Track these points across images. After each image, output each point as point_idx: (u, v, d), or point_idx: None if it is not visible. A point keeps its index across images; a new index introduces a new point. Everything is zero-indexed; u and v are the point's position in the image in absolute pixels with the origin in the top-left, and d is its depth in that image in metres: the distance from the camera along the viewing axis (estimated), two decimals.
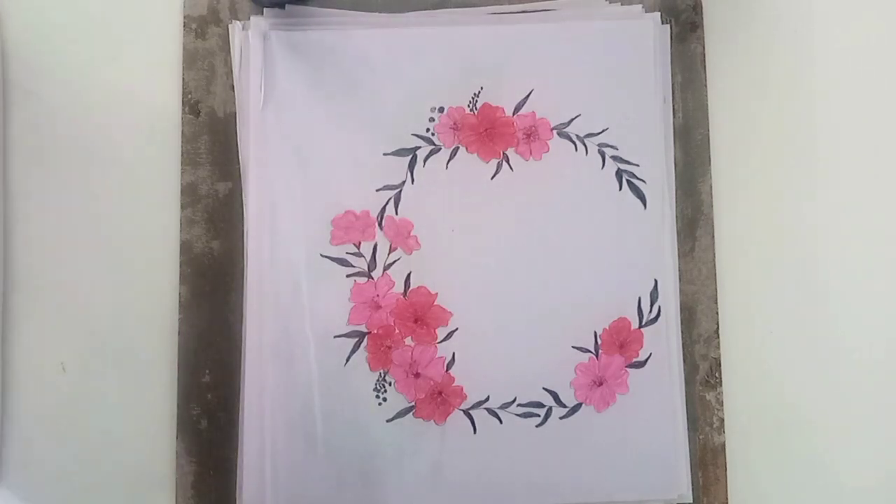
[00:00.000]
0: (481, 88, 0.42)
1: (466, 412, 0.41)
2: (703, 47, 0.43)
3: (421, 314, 0.41)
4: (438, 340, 0.41)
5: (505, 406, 0.41)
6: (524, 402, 0.41)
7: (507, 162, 0.42)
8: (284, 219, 0.41)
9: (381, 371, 0.40)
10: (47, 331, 0.40)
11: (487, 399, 0.41)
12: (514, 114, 0.42)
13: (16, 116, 0.40)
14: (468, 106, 0.42)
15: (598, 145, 0.42)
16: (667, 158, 0.42)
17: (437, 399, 0.40)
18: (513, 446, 0.40)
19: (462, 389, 0.41)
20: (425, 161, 0.41)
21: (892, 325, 0.42)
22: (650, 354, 0.41)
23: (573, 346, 0.41)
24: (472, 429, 0.40)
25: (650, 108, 0.42)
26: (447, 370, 0.41)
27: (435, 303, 0.41)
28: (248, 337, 0.40)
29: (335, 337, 0.40)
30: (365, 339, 0.40)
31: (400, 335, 0.41)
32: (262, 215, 0.41)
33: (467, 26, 0.42)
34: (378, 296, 0.41)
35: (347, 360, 0.40)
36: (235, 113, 0.41)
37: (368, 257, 0.41)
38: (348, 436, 0.40)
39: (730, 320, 0.42)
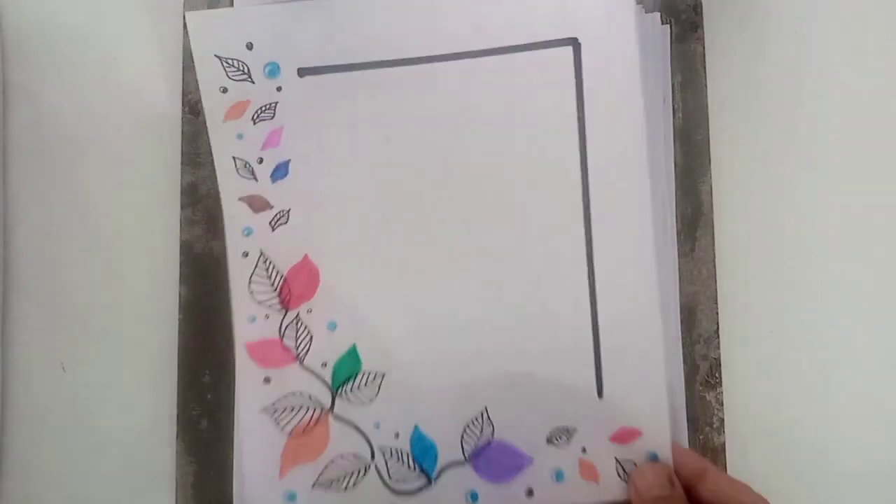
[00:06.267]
0: None
1: None
2: (703, 47, 0.43)
3: None
4: None
5: None
6: None
7: None
8: None
9: None
10: (47, 331, 0.40)
11: None
12: None
13: (16, 116, 0.40)
14: None
15: None
16: (667, 158, 0.42)
17: None
18: None
19: None
20: None
21: (892, 325, 0.42)
22: None
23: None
24: None
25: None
26: None
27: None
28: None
29: None
30: None
31: None
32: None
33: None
34: None
35: None
36: None
37: None
38: None
39: (730, 320, 0.42)
